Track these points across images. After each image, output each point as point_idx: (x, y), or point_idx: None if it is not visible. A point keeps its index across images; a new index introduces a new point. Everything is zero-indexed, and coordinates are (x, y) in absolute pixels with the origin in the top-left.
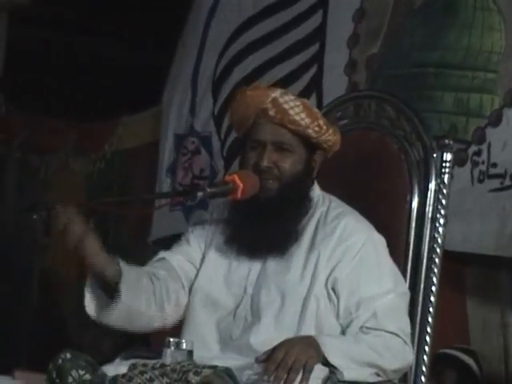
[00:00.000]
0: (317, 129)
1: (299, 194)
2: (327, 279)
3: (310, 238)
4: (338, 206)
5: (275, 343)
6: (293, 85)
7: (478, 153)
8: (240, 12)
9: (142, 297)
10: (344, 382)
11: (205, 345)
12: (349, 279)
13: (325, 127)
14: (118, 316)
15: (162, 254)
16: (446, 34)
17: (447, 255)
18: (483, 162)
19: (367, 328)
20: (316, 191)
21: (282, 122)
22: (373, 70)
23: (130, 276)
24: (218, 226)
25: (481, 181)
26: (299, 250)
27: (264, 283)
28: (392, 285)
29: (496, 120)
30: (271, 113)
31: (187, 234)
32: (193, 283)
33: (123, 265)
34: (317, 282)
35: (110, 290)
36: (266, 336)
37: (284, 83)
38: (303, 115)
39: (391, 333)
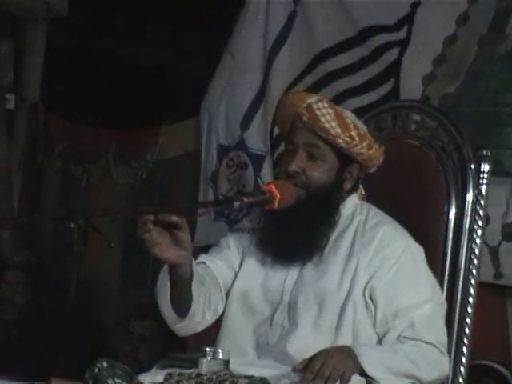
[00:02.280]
0: (348, 139)
1: (325, 204)
2: (365, 287)
3: (349, 245)
4: (376, 214)
5: (312, 351)
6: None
7: None
8: (314, 43)
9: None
10: None
11: (241, 351)
12: (387, 288)
13: (357, 139)
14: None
15: (202, 257)
16: None
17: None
18: None
19: (404, 337)
20: (352, 202)
21: (313, 129)
22: (447, 107)
23: (197, 281)
24: (255, 234)
25: None
26: (337, 258)
27: (301, 290)
28: (430, 295)
29: None
30: (305, 118)
31: (227, 237)
32: (230, 289)
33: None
34: (355, 290)
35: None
36: (303, 343)
37: (359, 116)
38: (334, 124)
39: (428, 343)
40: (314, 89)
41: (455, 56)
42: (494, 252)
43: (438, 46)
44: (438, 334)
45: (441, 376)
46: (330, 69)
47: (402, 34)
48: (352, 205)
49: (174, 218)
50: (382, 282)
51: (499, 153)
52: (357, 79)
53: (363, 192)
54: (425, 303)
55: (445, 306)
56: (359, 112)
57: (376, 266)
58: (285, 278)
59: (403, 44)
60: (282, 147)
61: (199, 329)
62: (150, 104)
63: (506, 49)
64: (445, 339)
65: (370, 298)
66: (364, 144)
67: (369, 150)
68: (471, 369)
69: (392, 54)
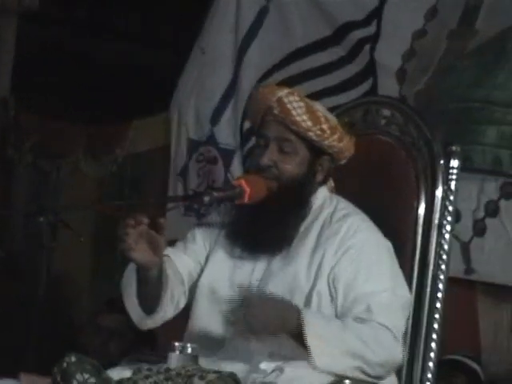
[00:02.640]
0: (319, 132)
1: (297, 197)
2: (328, 276)
3: (316, 237)
4: (344, 207)
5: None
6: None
7: None
8: (288, 41)
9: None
10: None
11: (209, 344)
12: (347, 276)
13: (328, 132)
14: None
15: (167, 250)
16: (494, 76)
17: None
18: None
19: (360, 319)
20: (322, 194)
21: (284, 122)
22: (420, 106)
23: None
24: (224, 227)
25: None
26: (304, 249)
27: (269, 282)
28: (390, 284)
29: None
30: (275, 111)
31: (193, 231)
32: (197, 282)
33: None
34: (319, 281)
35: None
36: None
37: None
38: (305, 117)
39: (383, 325)
40: (287, 84)
41: (425, 50)
42: (465, 247)
43: (407, 41)
44: (395, 320)
45: (390, 361)
46: (306, 67)
47: (372, 29)
48: (321, 196)
49: (162, 220)
50: (343, 270)
51: (470, 149)
52: (334, 79)
53: (333, 184)
54: (384, 291)
55: (406, 300)
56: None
57: (339, 255)
58: (252, 269)
59: (374, 39)
60: (252, 142)
61: (160, 323)
62: (121, 99)
63: (475, 44)
64: (401, 328)
65: (333, 286)
66: (335, 137)
67: (340, 143)
68: (442, 364)
69: (367, 53)
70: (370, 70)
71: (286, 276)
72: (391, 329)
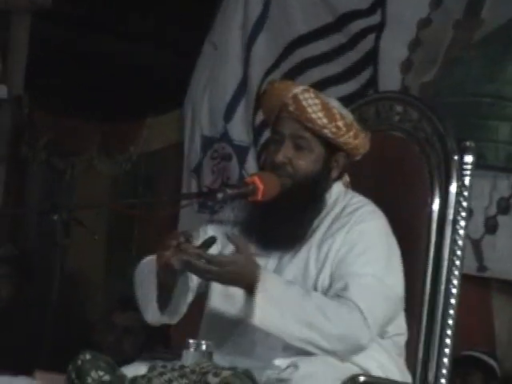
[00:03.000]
0: (334, 130)
1: (311, 194)
2: (333, 262)
3: (326, 229)
4: (358, 201)
5: None
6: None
7: None
8: (290, 29)
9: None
10: None
11: (222, 341)
12: (341, 256)
13: (344, 129)
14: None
15: None
16: (504, 68)
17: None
18: None
19: (337, 296)
20: (336, 189)
21: (300, 119)
22: (426, 98)
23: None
24: (237, 224)
25: None
26: (314, 241)
27: (280, 274)
28: (380, 272)
29: None
30: (291, 108)
31: (204, 227)
32: None
33: None
34: (325, 268)
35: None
36: None
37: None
38: (321, 114)
39: (356, 305)
40: (290, 75)
41: (430, 40)
42: (476, 245)
43: (412, 30)
44: (372, 305)
45: (350, 339)
46: (307, 55)
47: (376, 18)
48: (336, 192)
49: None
50: (341, 251)
51: (482, 146)
52: (335, 67)
53: (348, 179)
54: (370, 275)
55: (394, 292)
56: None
57: (344, 241)
58: (265, 266)
59: (379, 28)
60: (265, 137)
61: (171, 320)
62: (135, 97)
63: (481, 34)
64: (378, 315)
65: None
66: (351, 133)
67: (355, 139)
68: (458, 361)
69: (369, 41)
70: (371, 57)
71: (295, 268)
72: (364, 312)
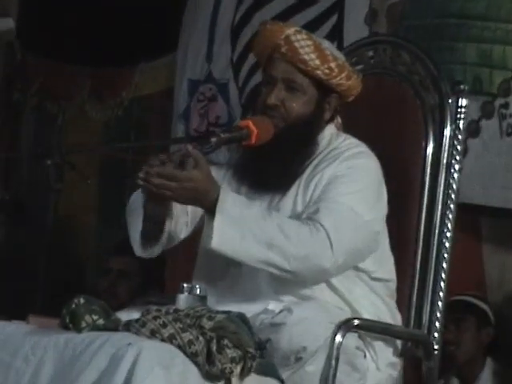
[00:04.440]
0: (327, 71)
1: (304, 135)
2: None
3: (314, 166)
4: (350, 143)
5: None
6: (314, 33)
7: (505, 105)
8: None
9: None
10: None
11: (216, 285)
12: (324, 189)
13: (336, 70)
14: (157, 251)
15: None
16: None
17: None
18: (511, 115)
19: (307, 218)
20: (328, 131)
21: (292, 61)
22: (393, 20)
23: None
24: (231, 167)
25: (509, 134)
26: (302, 178)
27: None
28: (356, 205)
29: None
30: (283, 50)
31: None
32: (203, 217)
33: None
34: (310, 204)
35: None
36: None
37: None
38: (313, 56)
39: (321, 225)
40: (257, 8)
41: None
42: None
43: None
44: (339, 230)
45: (311, 259)
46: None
47: None
48: (328, 134)
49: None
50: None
51: (450, 68)
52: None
53: (340, 121)
54: (342, 203)
55: (365, 222)
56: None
57: (331, 176)
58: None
59: None
60: (244, 72)
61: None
62: (127, 41)
63: None
64: (345, 240)
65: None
66: (343, 75)
67: (348, 81)
68: (451, 305)
69: None
70: None
71: (284, 208)
72: (328, 232)
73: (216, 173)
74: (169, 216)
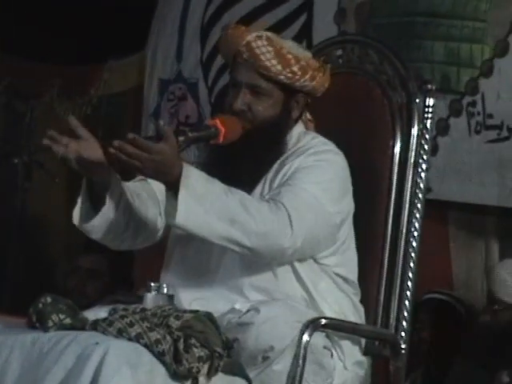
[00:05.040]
0: (289, 75)
1: (272, 137)
2: None
3: (281, 161)
4: (318, 141)
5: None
6: (283, 32)
7: (473, 104)
8: None
9: (124, 214)
10: None
11: (184, 284)
12: (288, 176)
13: (299, 73)
14: (98, 227)
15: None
16: None
17: (430, 204)
18: (479, 113)
19: (269, 198)
20: (296, 131)
21: (254, 67)
22: (362, 19)
23: (117, 189)
24: (199, 165)
25: (478, 132)
26: (268, 177)
27: None
28: (320, 194)
29: (488, 71)
30: (245, 56)
31: None
32: None
33: (116, 177)
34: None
35: (97, 201)
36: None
37: (274, 30)
38: (274, 62)
39: (283, 205)
40: (227, 7)
41: None
42: None
43: None
44: (300, 212)
45: (271, 236)
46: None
47: None
48: (296, 133)
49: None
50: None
51: (418, 67)
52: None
53: (309, 116)
54: (305, 190)
55: (329, 218)
56: (273, 29)
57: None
58: None
59: None
60: (214, 71)
61: (131, 245)
62: (96, 39)
63: None
64: (305, 223)
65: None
66: (307, 77)
67: (312, 81)
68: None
69: None
70: None
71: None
72: (289, 212)
73: None
74: (113, 189)
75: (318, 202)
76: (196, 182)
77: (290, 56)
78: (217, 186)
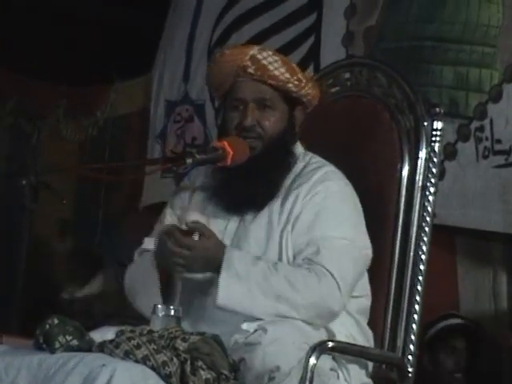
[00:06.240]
0: (297, 82)
1: (283, 151)
2: (295, 220)
3: (287, 186)
4: (317, 161)
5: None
6: (290, 55)
7: (481, 128)
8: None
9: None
10: None
11: (190, 305)
12: (307, 218)
13: (304, 80)
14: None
15: (146, 243)
16: (443, 7)
17: (437, 229)
18: (487, 138)
19: (308, 259)
20: (298, 149)
21: (262, 79)
22: (371, 43)
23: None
24: (198, 189)
25: (485, 157)
26: (276, 199)
27: (243, 236)
28: (351, 233)
29: (496, 96)
30: (251, 70)
31: (166, 208)
32: None
33: None
34: (289, 225)
35: None
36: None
37: (282, 52)
38: (283, 70)
39: (327, 270)
40: (235, 28)
41: None
42: None
43: None
44: (343, 269)
45: (320, 306)
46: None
47: None
48: (298, 152)
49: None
50: (305, 213)
51: (426, 91)
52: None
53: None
54: (342, 239)
55: (365, 252)
56: (281, 52)
57: (307, 200)
58: (226, 225)
59: None
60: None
61: None
62: (103, 61)
63: None
64: (349, 279)
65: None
66: (310, 84)
67: (313, 90)
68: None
69: None
70: (315, 3)
71: (259, 226)
72: (335, 276)
73: (182, 192)
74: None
75: (354, 244)
76: (238, 264)
77: (294, 65)
78: (260, 265)
